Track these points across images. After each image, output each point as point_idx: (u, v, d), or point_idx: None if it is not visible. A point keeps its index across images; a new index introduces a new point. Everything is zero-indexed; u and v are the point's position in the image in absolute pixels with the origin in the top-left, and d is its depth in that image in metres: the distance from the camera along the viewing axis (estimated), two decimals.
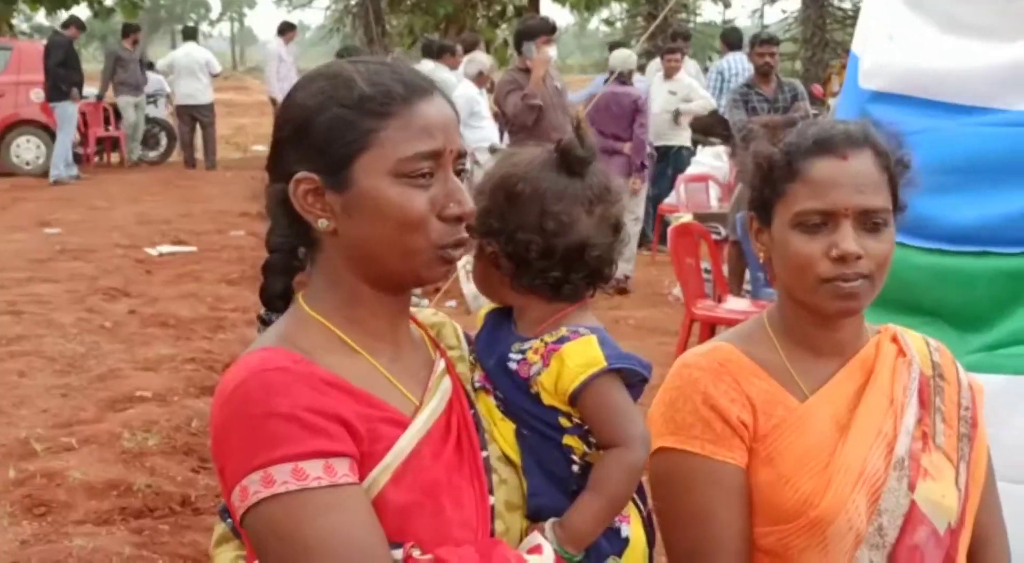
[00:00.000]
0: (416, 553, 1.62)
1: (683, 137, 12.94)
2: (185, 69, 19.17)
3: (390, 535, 1.62)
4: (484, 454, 1.80)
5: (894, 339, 2.14)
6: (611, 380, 1.87)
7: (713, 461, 2.00)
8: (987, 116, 2.94)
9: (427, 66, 10.96)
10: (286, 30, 19.52)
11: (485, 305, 2.08)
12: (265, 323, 1.80)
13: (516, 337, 1.94)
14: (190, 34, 20.95)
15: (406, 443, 1.68)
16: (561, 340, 1.88)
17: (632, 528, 1.92)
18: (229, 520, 1.87)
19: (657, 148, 12.09)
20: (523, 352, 1.90)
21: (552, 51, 9.49)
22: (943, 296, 2.95)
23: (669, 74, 12.99)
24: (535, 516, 1.87)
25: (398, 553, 1.63)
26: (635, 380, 1.91)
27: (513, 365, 1.90)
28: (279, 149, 1.73)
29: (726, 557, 1.99)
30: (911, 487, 2.00)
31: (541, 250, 1.88)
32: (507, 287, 1.95)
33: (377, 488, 1.64)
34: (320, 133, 1.67)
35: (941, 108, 3.01)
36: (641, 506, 1.98)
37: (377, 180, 1.65)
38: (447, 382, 1.82)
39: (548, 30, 9.65)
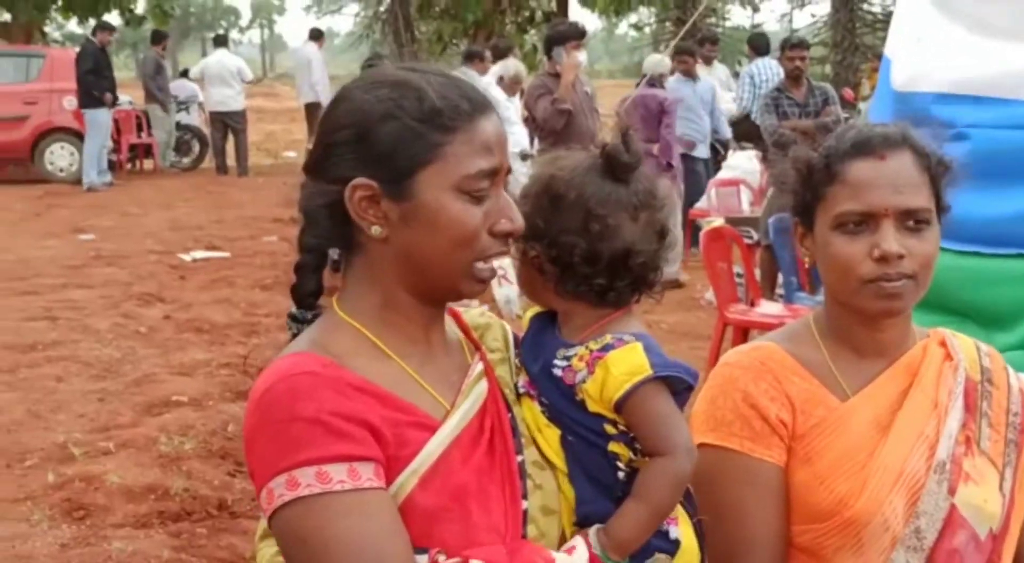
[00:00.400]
0: (442, 559, 1.63)
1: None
2: (216, 76, 19.31)
3: (417, 540, 1.62)
4: (519, 458, 1.79)
5: (942, 343, 2.14)
6: (657, 388, 1.84)
7: (751, 458, 2.02)
8: (1013, 107, 2.94)
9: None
10: (318, 36, 19.61)
11: (529, 308, 2.06)
12: (297, 320, 1.81)
13: (561, 343, 1.92)
14: (221, 41, 21.09)
15: (435, 447, 1.68)
16: (606, 348, 1.86)
17: (683, 531, 1.89)
18: None
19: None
20: (568, 359, 1.88)
21: (582, 56, 9.45)
22: (973, 297, 2.95)
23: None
24: (584, 523, 1.85)
25: (423, 559, 1.63)
26: (680, 388, 1.88)
27: (558, 371, 1.88)
28: (332, 151, 1.71)
29: (760, 554, 2.01)
30: (951, 491, 1.99)
31: (585, 255, 1.87)
32: (551, 292, 1.94)
33: (405, 492, 1.64)
34: (385, 142, 1.67)
35: (969, 101, 3.01)
36: (691, 511, 1.95)
37: (440, 194, 1.67)
38: (483, 385, 1.81)
39: (578, 35, 9.64)
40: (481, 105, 1.72)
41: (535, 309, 2.03)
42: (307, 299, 1.80)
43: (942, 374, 2.09)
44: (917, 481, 1.98)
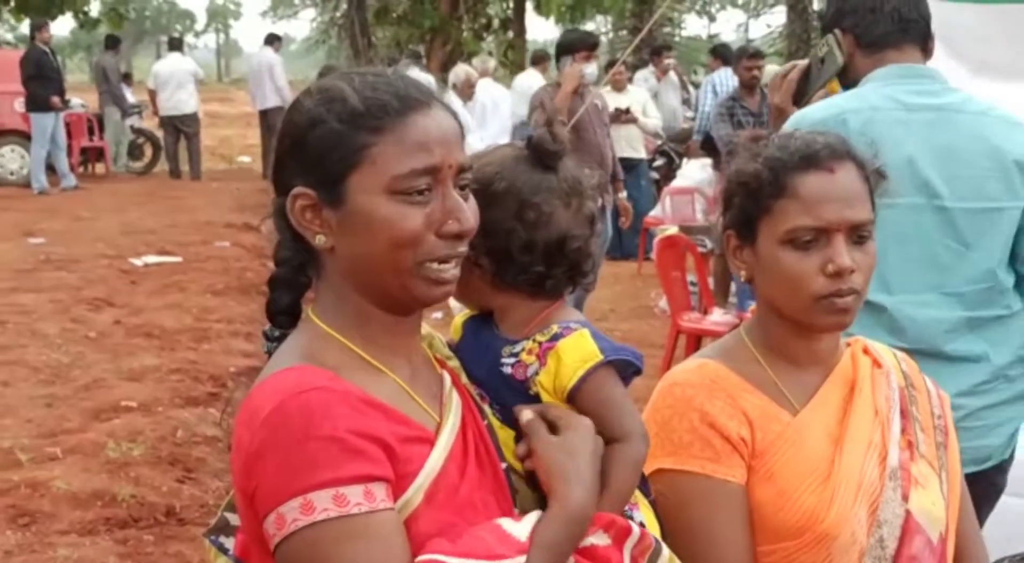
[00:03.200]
0: None
1: (640, 150, 12.93)
2: (170, 80, 19.15)
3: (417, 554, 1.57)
4: (504, 466, 1.77)
5: (866, 350, 2.15)
6: (608, 373, 1.85)
7: (714, 480, 1.96)
8: None
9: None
10: (274, 40, 19.52)
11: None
12: (269, 339, 1.76)
13: (504, 341, 1.92)
14: (176, 45, 20.93)
15: (435, 461, 1.64)
16: (555, 337, 1.86)
17: (643, 513, 1.90)
18: (231, 553, 1.84)
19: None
20: (516, 355, 1.88)
21: (589, 68, 8.58)
22: None
23: (617, 88, 12.82)
24: None
25: None
26: (628, 372, 1.90)
27: (507, 369, 1.87)
28: (280, 162, 1.69)
29: None
30: (905, 497, 2.00)
31: (522, 244, 1.87)
32: (488, 289, 1.93)
33: (411, 508, 1.59)
34: (314, 148, 1.63)
35: None
36: (646, 492, 1.96)
37: (371, 197, 1.61)
38: (456, 396, 1.77)
39: (588, 46, 8.77)
40: (415, 101, 1.64)
41: (464, 315, 2.02)
42: (279, 317, 1.75)
43: (876, 381, 2.09)
44: (875, 490, 1.98)
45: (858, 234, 1.97)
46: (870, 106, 2.97)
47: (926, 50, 3.12)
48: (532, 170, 1.91)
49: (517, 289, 1.92)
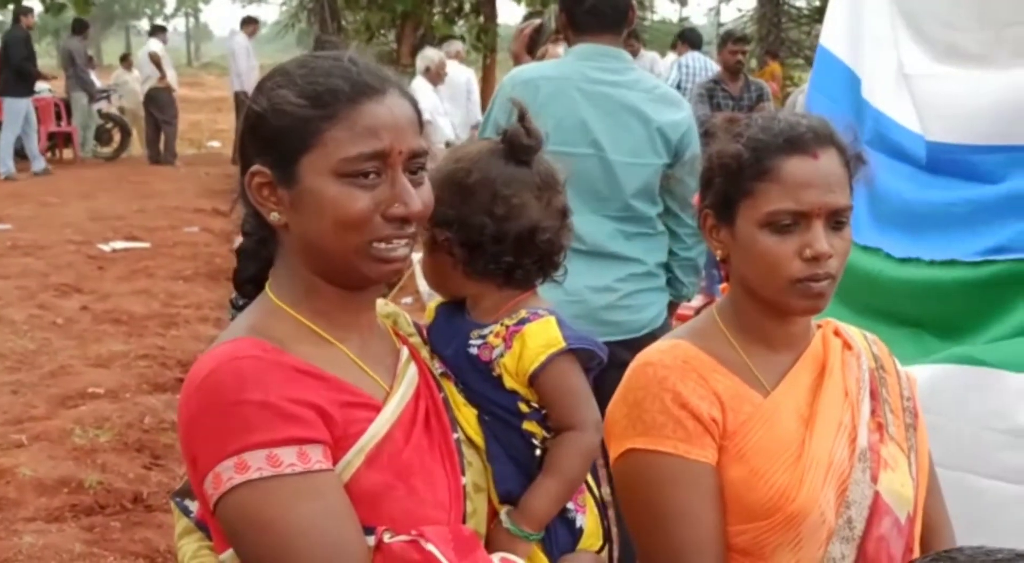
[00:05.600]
0: (387, 536, 1.63)
1: None
2: (146, 65, 19.11)
3: (364, 518, 1.64)
4: (455, 436, 1.84)
5: (836, 332, 2.15)
6: (569, 361, 1.92)
7: (686, 460, 1.96)
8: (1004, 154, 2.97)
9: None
10: (249, 23, 19.40)
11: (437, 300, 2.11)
12: (235, 307, 1.82)
13: (473, 324, 1.98)
14: (154, 31, 20.84)
15: (380, 426, 1.70)
16: (522, 321, 1.93)
17: (588, 519, 1.98)
18: (193, 515, 1.90)
19: None
20: (483, 337, 1.95)
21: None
22: (926, 309, 3.00)
23: None
24: (505, 500, 1.91)
25: (370, 538, 1.63)
26: (592, 364, 1.96)
27: (474, 351, 1.94)
28: (242, 141, 1.76)
29: (707, 558, 1.95)
30: (874, 478, 2.00)
31: (494, 234, 1.93)
32: (459, 277, 1.99)
33: (351, 470, 1.66)
34: (270, 129, 1.69)
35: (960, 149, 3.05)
36: (596, 491, 2.04)
37: (320, 178, 1.67)
38: (413, 368, 1.84)
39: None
40: (368, 88, 1.70)
41: (438, 300, 2.09)
42: (245, 285, 1.83)
43: (846, 363, 2.10)
44: (844, 471, 1.98)
45: (836, 219, 1.97)
46: (561, 75, 3.95)
47: (620, 33, 4.00)
48: (506, 163, 1.97)
49: (488, 278, 1.99)
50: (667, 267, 4.15)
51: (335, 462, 1.64)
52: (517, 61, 4.66)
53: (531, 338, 1.91)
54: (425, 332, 2.03)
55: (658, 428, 1.97)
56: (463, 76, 12.67)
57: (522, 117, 1.99)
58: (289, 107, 1.67)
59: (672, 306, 4.22)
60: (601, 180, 3.91)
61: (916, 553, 2.08)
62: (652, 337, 3.61)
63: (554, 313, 1.97)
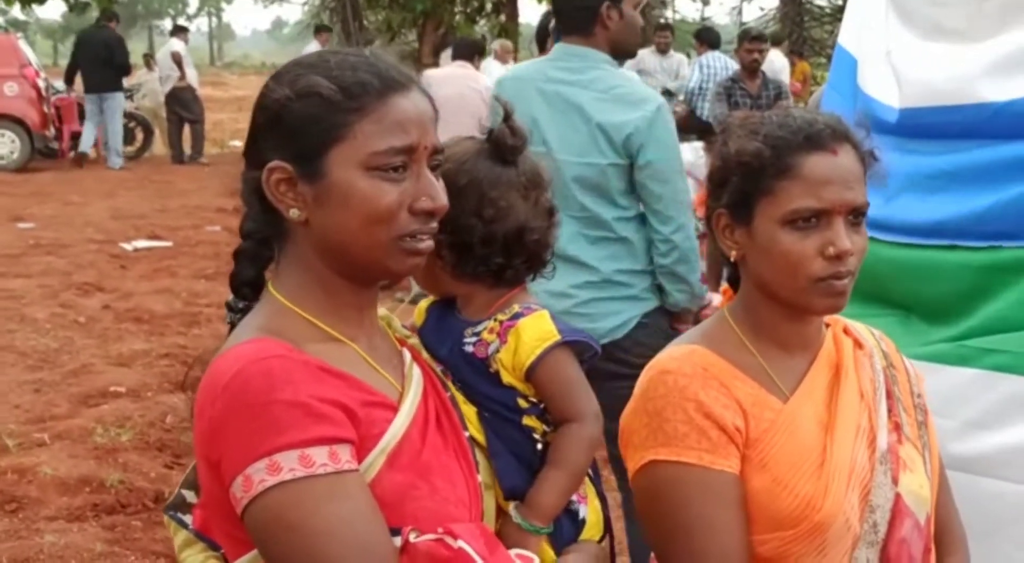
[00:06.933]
0: (413, 536, 1.62)
1: None
2: (167, 65, 19.19)
3: (388, 519, 1.62)
4: (467, 434, 1.85)
5: (846, 331, 2.13)
6: (566, 353, 1.96)
7: (711, 471, 1.92)
8: (975, 111, 2.93)
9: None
10: (322, 31, 19.62)
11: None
12: (232, 310, 1.79)
13: (466, 322, 2.01)
14: (175, 31, 20.93)
15: (399, 426, 1.69)
16: (516, 316, 1.96)
17: (589, 509, 2.02)
18: (190, 527, 1.89)
19: None
20: (477, 334, 1.97)
21: None
22: (912, 288, 2.95)
23: None
24: (511, 497, 1.93)
25: (396, 540, 1.62)
26: (586, 356, 2.00)
27: (469, 348, 1.96)
28: (255, 136, 1.73)
29: None
30: (895, 480, 1.98)
31: (482, 237, 1.95)
32: (449, 279, 2.01)
33: (374, 471, 1.65)
34: (294, 123, 1.67)
35: (941, 112, 3.01)
36: (597, 484, 2.07)
37: (348, 172, 1.65)
38: (417, 369, 1.83)
39: None
40: (395, 82, 1.69)
41: (428, 300, 2.11)
42: (243, 288, 1.79)
43: (859, 363, 2.08)
44: (865, 476, 1.96)
45: (855, 216, 1.95)
46: (526, 75, 4.07)
47: (588, 33, 3.96)
48: (492, 164, 1.99)
49: (478, 279, 2.01)
50: (654, 274, 4.01)
51: (359, 461, 1.62)
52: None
53: (526, 332, 1.94)
54: (417, 334, 2.04)
55: (681, 438, 1.93)
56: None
57: (507, 117, 2.00)
58: (315, 101, 1.66)
59: (670, 315, 4.06)
60: (556, 179, 3.81)
61: (933, 553, 2.07)
62: (614, 347, 3.83)
63: (546, 308, 2.00)
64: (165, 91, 19.27)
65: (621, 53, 4.09)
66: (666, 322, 4.05)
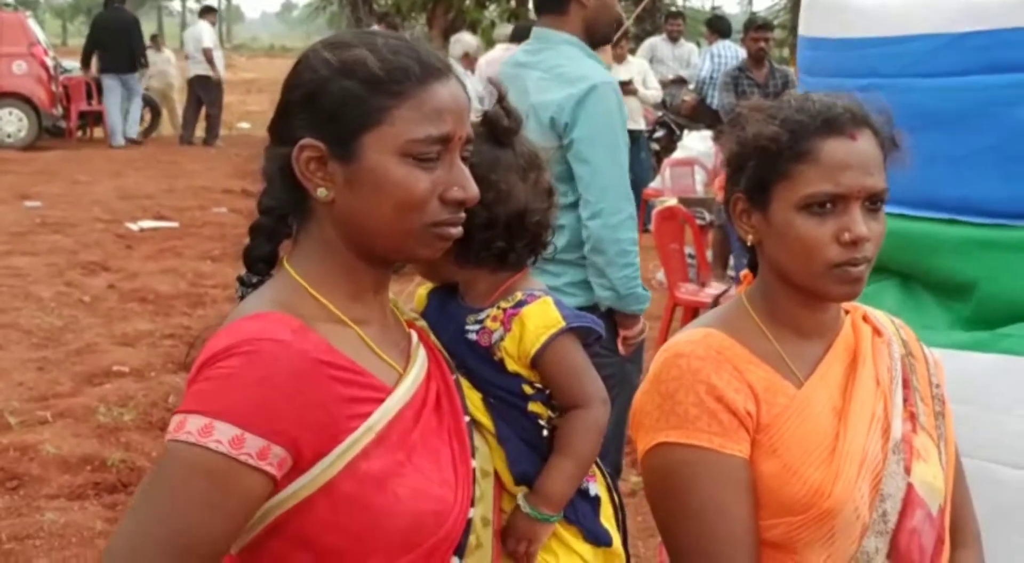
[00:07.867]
0: None
1: (639, 122, 12.80)
2: (194, 49, 19.18)
3: (372, 495, 1.62)
4: (467, 419, 1.83)
5: (865, 318, 2.11)
6: (570, 340, 1.95)
7: (721, 454, 1.91)
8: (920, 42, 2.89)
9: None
10: (384, 20, 19.53)
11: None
12: (244, 284, 1.77)
13: (468, 309, 2.00)
14: (203, 13, 20.77)
15: (391, 406, 1.68)
16: (520, 304, 1.95)
17: (599, 487, 2.03)
18: None
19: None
20: (480, 322, 1.96)
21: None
22: (911, 260, 2.94)
23: (618, 60, 12.73)
24: (521, 482, 1.93)
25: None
26: (590, 340, 1.99)
27: (472, 336, 1.96)
28: (286, 112, 1.71)
29: (742, 553, 1.91)
30: (907, 470, 1.96)
31: (484, 221, 1.93)
32: (451, 265, 1.99)
33: (360, 445, 1.63)
34: (332, 102, 1.66)
35: (877, 43, 2.98)
36: (601, 467, 2.08)
37: (384, 157, 1.64)
38: (422, 351, 1.82)
39: None
40: (435, 70, 1.68)
41: (427, 286, 2.11)
42: (257, 264, 1.78)
43: (877, 351, 2.06)
44: (877, 465, 1.94)
45: (873, 203, 1.93)
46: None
47: (559, 13, 3.85)
48: (488, 147, 1.98)
49: (481, 264, 2.00)
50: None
51: (343, 438, 1.62)
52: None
53: (530, 320, 1.93)
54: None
55: (692, 421, 1.92)
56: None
57: (500, 98, 2.00)
58: (354, 82, 1.64)
59: (614, 320, 3.81)
60: None
61: (947, 545, 2.05)
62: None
63: (549, 293, 1.99)
64: (190, 75, 19.19)
65: (596, 35, 3.93)
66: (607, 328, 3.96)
